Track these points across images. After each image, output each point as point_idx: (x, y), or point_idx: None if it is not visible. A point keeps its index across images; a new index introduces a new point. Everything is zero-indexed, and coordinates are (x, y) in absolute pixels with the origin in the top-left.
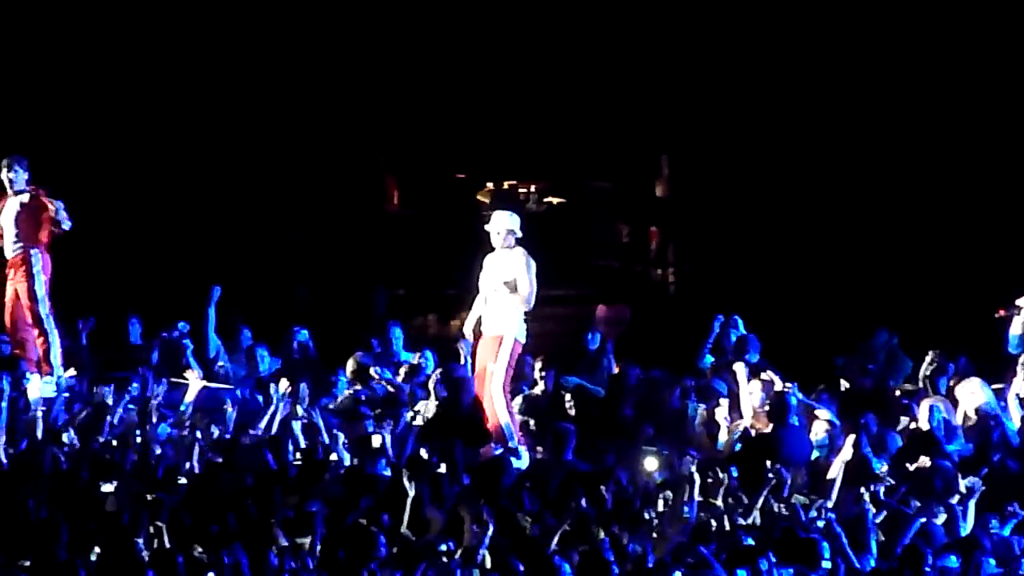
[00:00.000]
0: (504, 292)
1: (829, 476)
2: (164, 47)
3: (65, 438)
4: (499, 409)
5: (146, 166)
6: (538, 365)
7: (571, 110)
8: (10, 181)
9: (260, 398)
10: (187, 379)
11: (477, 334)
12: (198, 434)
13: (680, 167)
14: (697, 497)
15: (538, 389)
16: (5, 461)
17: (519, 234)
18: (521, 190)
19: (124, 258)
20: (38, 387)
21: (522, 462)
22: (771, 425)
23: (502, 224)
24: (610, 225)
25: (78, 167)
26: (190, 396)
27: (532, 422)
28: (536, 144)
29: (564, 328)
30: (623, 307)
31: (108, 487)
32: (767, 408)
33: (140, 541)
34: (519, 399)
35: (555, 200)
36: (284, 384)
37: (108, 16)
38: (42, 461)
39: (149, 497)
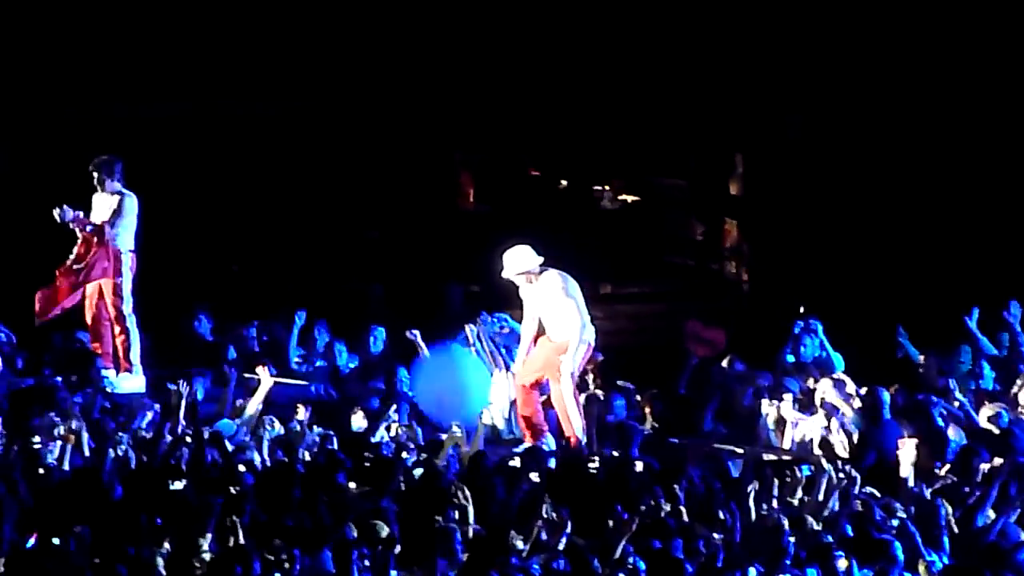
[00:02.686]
0: (559, 307)
1: (901, 474)
2: (240, 42)
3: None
4: (570, 406)
5: (221, 162)
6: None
7: (645, 107)
8: (101, 182)
9: (335, 394)
10: (258, 375)
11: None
12: (269, 430)
13: (755, 164)
14: (773, 496)
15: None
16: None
17: (538, 261)
18: (595, 188)
19: (198, 253)
20: (125, 381)
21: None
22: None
23: (518, 265)
24: (684, 222)
25: (154, 163)
26: (261, 392)
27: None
28: (610, 141)
29: (638, 326)
30: (718, 331)
31: (178, 484)
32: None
33: (210, 537)
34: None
35: (629, 198)
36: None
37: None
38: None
39: (220, 493)
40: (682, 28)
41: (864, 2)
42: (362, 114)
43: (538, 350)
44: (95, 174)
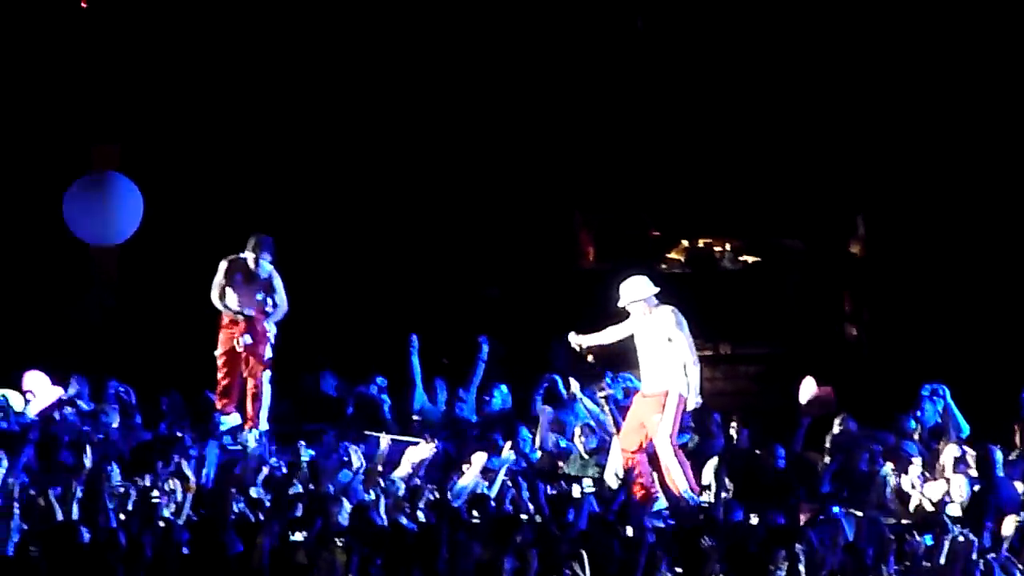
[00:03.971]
0: (661, 351)
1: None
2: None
3: (253, 492)
4: (669, 462)
5: (341, 219)
6: (733, 423)
7: (767, 168)
8: (256, 261)
9: (454, 451)
10: (377, 433)
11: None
12: (388, 487)
13: (876, 226)
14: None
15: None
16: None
17: (654, 291)
18: (716, 248)
19: (319, 311)
20: (248, 437)
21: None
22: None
23: (635, 293)
24: (804, 284)
25: (277, 217)
26: (382, 450)
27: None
28: (731, 202)
29: (757, 386)
30: (829, 389)
31: (298, 536)
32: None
33: None
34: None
35: (749, 258)
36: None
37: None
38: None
39: (340, 546)
40: (805, 89)
41: (989, 65)
42: (485, 172)
43: (634, 409)
44: (253, 251)
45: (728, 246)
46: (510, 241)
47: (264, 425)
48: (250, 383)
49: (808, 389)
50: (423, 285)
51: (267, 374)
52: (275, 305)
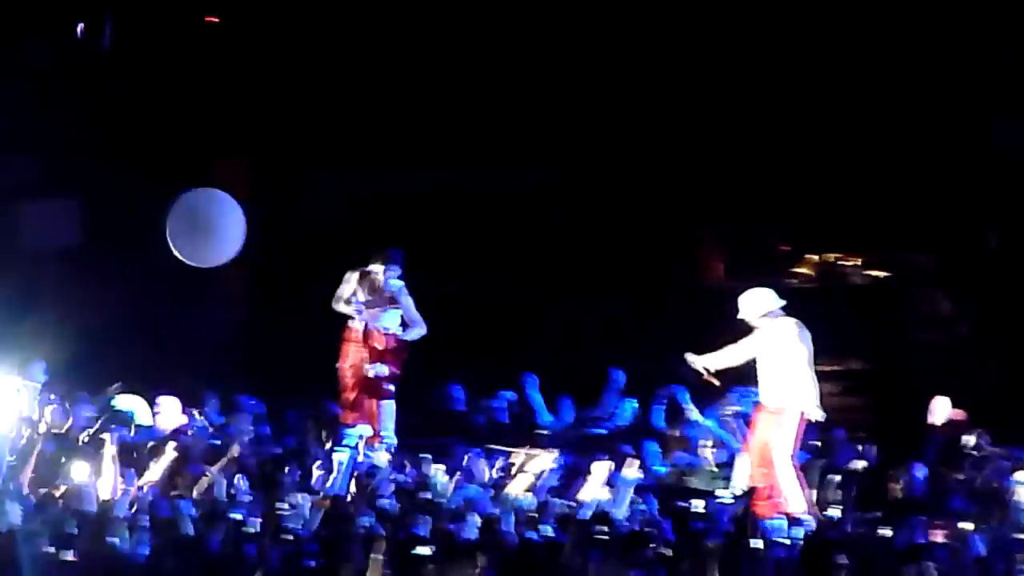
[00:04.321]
0: (783, 365)
1: None
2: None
3: (382, 505)
4: (786, 480)
5: (470, 230)
6: (860, 440)
7: (896, 181)
8: (383, 275)
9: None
10: (504, 447)
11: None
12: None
13: (1008, 241)
14: None
15: (859, 463)
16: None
17: (778, 304)
18: (845, 263)
19: (447, 324)
20: (375, 452)
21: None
22: None
23: (759, 307)
24: (933, 299)
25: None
26: (509, 463)
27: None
28: (859, 216)
29: (884, 403)
30: (962, 412)
31: (424, 549)
32: None
33: None
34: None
35: (878, 273)
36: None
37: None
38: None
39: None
40: (938, 104)
41: None
42: (615, 188)
43: (757, 424)
44: (382, 263)
45: (857, 260)
46: (639, 256)
47: (392, 438)
48: (376, 396)
49: (942, 409)
50: (552, 298)
51: (392, 388)
52: (403, 324)
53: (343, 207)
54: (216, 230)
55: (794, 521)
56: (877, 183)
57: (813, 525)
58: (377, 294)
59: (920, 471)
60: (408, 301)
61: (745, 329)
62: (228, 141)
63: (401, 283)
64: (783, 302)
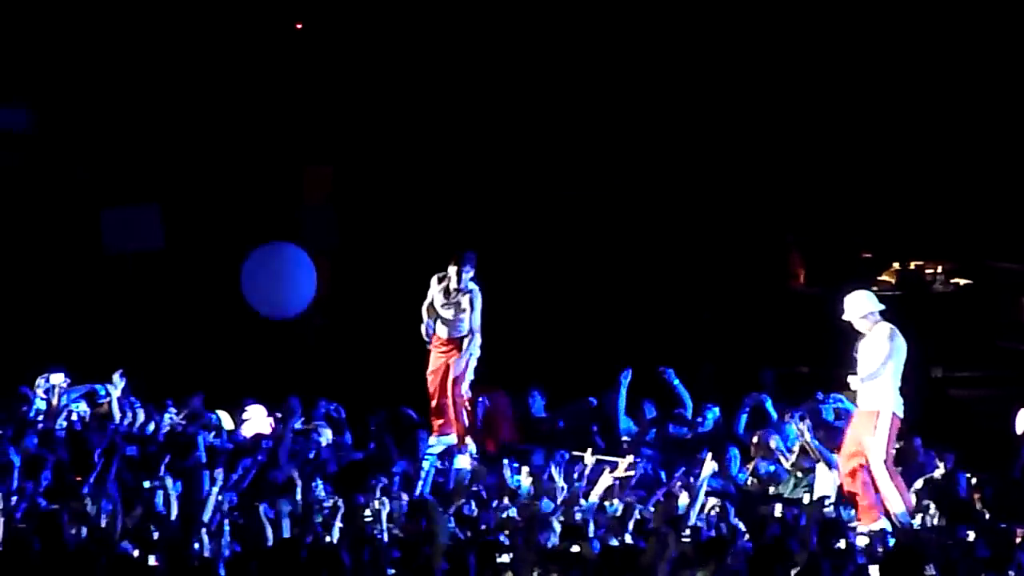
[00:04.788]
0: (878, 367)
1: None
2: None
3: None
4: (884, 482)
5: (554, 240)
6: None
7: (979, 189)
8: (459, 278)
9: (663, 472)
10: (584, 454)
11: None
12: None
13: None
14: None
15: (939, 472)
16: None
17: (878, 309)
18: (927, 271)
19: (531, 331)
20: (457, 458)
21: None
22: None
23: (858, 309)
24: (1017, 306)
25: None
26: (588, 469)
27: (932, 505)
28: (943, 224)
29: (968, 411)
30: None
31: (505, 558)
32: None
33: None
34: (919, 482)
35: (961, 281)
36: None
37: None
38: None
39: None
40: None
41: None
42: (699, 196)
43: (852, 425)
44: (455, 264)
45: (940, 268)
46: (723, 264)
47: (473, 445)
48: (457, 402)
49: None
50: (636, 306)
51: (469, 392)
52: (471, 329)
53: (427, 213)
54: (289, 284)
55: (893, 522)
56: (963, 191)
57: (913, 526)
58: (453, 296)
59: (1005, 480)
60: (477, 305)
61: (838, 335)
62: (313, 150)
63: (475, 286)
64: (882, 306)
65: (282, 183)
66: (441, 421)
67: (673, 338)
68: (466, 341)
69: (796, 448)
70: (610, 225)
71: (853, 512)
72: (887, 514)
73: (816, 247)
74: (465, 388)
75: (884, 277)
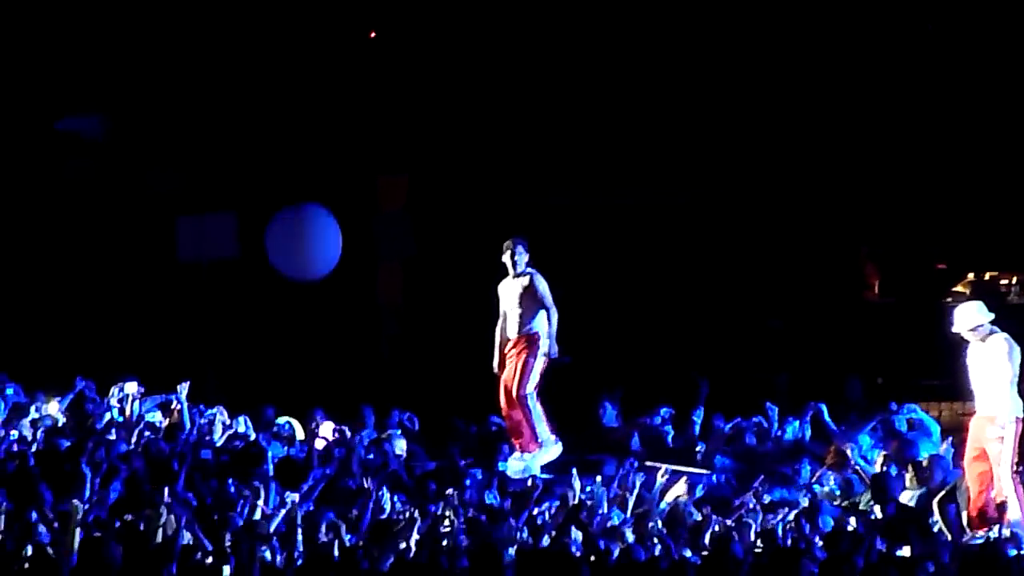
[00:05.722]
0: (991, 379)
1: None
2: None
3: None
4: (1009, 489)
5: (626, 249)
6: None
7: None
8: (513, 264)
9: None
10: (658, 465)
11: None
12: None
13: None
14: None
15: None
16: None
17: (988, 317)
18: (1002, 282)
19: (603, 341)
20: (514, 466)
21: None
22: None
23: (969, 321)
24: None
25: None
26: (659, 482)
27: None
28: (1018, 235)
29: None
30: None
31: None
32: None
33: None
34: None
35: None
36: None
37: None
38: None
39: None
40: None
41: None
42: (773, 205)
43: (971, 432)
44: (507, 254)
45: (1015, 279)
46: (796, 273)
47: (550, 444)
48: (522, 408)
49: None
50: (708, 315)
51: (533, 396)
52: (549, 320)
53: (502, 222)
54: (313, 245)
55: (1013, 530)
56: None
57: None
58: (512, 285)
59: None
60: (541, 286)
61: (911, 348)
62: (387, 159)
63: (532, 269)
64: (991, 316)
65: (357, 192)
66: (509, 425)
67: (744, 348)
68: (537, 341)
69: (879, 458)
70: (685, 235)
71: (977, 517)
72: (1002, 521)
73: (890, 258)
74: (530, 388)
75: (959, 288)
